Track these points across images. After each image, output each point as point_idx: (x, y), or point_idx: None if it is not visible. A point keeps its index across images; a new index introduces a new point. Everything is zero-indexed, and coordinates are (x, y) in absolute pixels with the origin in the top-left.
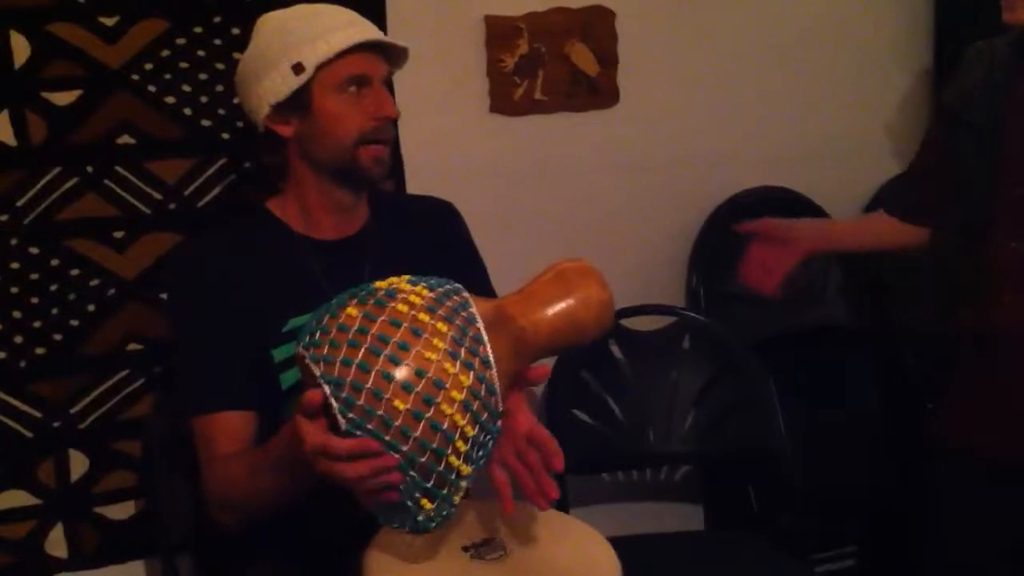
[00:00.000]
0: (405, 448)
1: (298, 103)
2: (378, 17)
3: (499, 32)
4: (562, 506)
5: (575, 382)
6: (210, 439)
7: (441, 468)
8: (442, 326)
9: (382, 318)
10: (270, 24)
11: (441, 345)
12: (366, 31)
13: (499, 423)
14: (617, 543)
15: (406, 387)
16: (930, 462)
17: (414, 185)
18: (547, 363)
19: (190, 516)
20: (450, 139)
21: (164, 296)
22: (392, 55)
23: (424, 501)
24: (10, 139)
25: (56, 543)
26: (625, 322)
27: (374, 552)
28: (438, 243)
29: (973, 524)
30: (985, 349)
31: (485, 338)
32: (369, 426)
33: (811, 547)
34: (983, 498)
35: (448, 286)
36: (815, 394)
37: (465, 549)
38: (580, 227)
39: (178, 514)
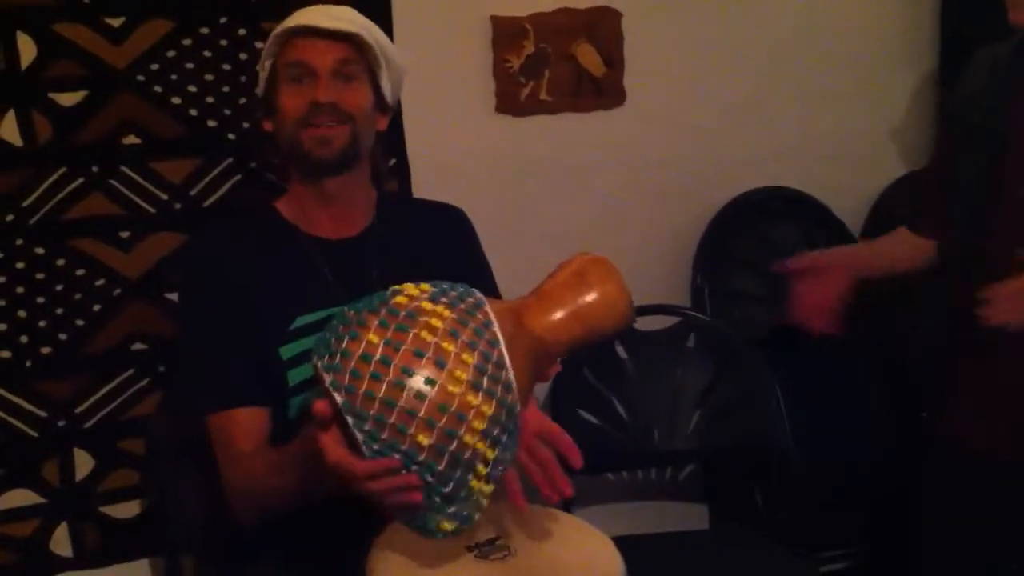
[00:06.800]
0: (430, 479)
1: (270, 99)
2: (383, 18)
3: (505, 32)
4: (566, 506)
5: (579, 381)
6: (227, 436)
7: (463, 493)
8: (467, 357)
9: (405, 347)
10: None
11: (464, 376)
12: (312, 18)
13: (517, 437)
14: (622, 542)
15: (430, 424)
16: (931, 462)
17: (419, 184)
18: (559, 363)
19: (194, 515)
20: (456, 139)
21: (171, 296)
22: (381, 68)
23: (444, 523)
24: (16, 139)
25: (61, 542)
26: None
27: (379, 551)
28: (445, 248)
29: (973, 522)
30: (987, 350)
31: (508, 361)
32: (394, 457)
33: (815, 546)
34: (983, 497)
35: (470, 300)
36: (819, 393)
37: (470, 548)
38: (585, 227)
39: (182, 513)
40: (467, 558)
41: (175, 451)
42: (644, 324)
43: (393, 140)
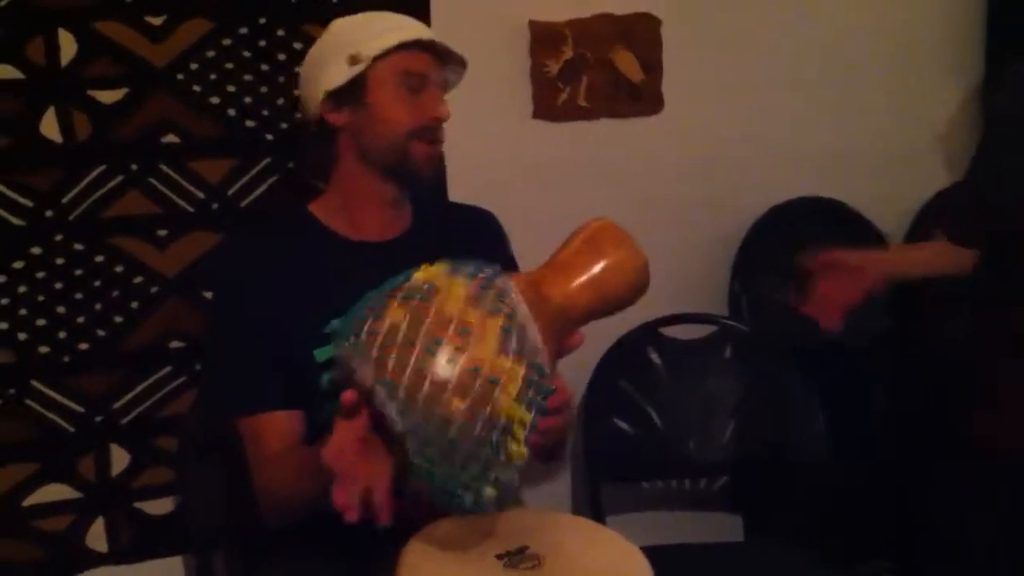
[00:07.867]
0: (468, 445)
1: (353, 93)
2: (422, 21)
3: (543, 37)
4: (598, 515)
5: (614, 390)
6: (259, 439)
7: (503, 456)
8: (491, 322)
9: (429, 320)
10: (337, 25)
11: (492, 341)
12: (423, 32)
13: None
14: (654, 552)
15: (463, 388)
16: (957, 464)
17: (456, 190)
18: (582, 333)
19: (223, 513)
20: (493, 144)
21: (207, 295)
22: (448, 67)
23: (488, 490)
24: (56, 136)
25: (96, 537)
26: (665, 331)
27: (408, 556)
28: (476, 251)
29: (998, 523)
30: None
31: (532, 325)
32: (430, 428)
33: (851, 558)
34: (1008, 497)
35: (487, 272)
36: (859, 403)
37: (499, 557)
38: None
39: (212, 510)
40: (496, 567)
41: (205, 449)
42: (680, 333)
43: None
